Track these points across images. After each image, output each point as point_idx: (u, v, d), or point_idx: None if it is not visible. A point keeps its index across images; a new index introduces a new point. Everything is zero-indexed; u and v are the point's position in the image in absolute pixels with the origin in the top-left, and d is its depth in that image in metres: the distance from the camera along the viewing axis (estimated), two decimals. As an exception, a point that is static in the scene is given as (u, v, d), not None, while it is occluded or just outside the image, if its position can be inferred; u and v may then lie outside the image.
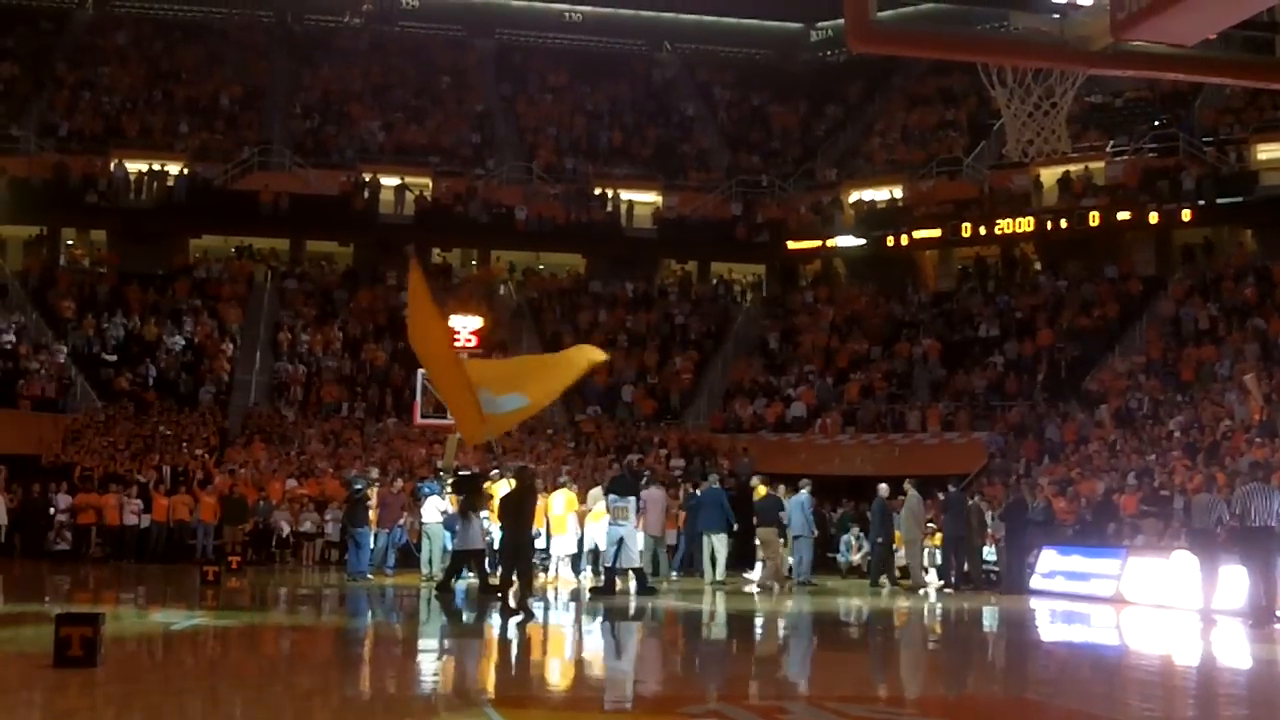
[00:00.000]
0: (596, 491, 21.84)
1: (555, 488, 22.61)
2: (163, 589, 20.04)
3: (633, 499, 20.33)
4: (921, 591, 21.81)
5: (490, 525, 20.05)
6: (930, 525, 23.57)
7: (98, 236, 38.64)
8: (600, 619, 16.77)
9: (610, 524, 20.04)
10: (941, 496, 23.38)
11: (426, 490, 22.48)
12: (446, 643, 14.28)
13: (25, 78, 40.51)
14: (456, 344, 20.28)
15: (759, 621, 17.59)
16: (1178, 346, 29.50)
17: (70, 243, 38.73)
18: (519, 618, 15.22)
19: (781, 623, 17.45)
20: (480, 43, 48.01)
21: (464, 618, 16.62)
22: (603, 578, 20.31)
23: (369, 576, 21.58)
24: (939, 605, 20.07)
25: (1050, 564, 21.44)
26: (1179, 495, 21.26)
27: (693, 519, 23.96)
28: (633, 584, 20.09)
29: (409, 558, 24.19)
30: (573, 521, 22.14)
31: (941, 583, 22.47)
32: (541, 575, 22.15)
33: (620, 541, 19.72)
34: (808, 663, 13.52)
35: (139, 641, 13.11)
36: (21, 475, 26.39)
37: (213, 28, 45.72)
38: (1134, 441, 25.64)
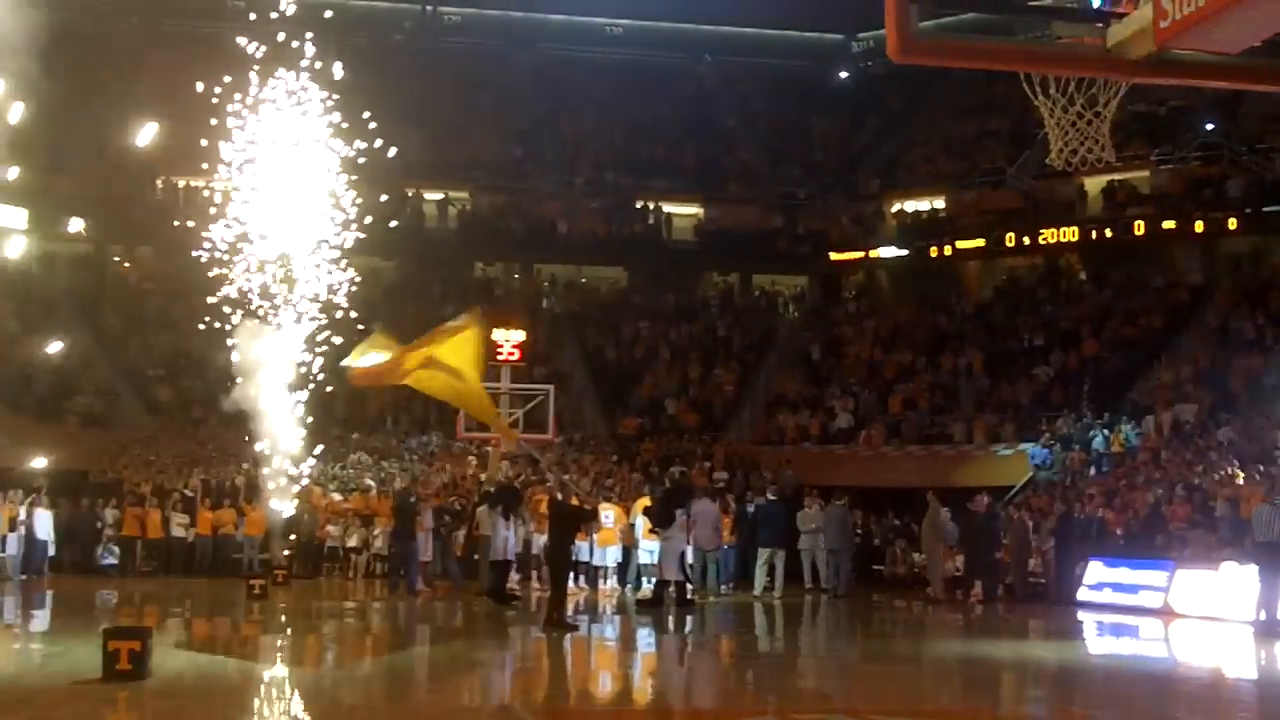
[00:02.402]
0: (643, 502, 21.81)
1: (600, 501, 22.57)
2: (210, 603, 20.19)
3: (679, 511, 20.25)
4: (969, 602, 21.62)
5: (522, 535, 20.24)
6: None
7: (145, 254, 38.97)
8: (643, 631, 16.75)
9: (656, 536, 19.96)
10: (968, 507, 23.08)
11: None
12: (490, 655, 14.29)
13: (75, 96, 40.87)
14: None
15: (803, 632, 17.52)
16: (1225, 356, 29.14)
17: (118, 259, 39.09)
18: (561, 630, 15.27)
19: (825, 634, 17.37)
20: (521, 57, 48.10)
21: (508, 629, 16.64)
22: (648, 590, 20.26)
23: (419, 590, 21.51)
24: (982, 617, 19.92)
25: (1097, 575, 21.22)
26: (1227, 506, 21.01)
27: (747, 532, 23.86)
28: (674, 595, 20.01)
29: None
30: (621, 534, 22.17)
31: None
32: (586, 587, 22.21)
33: (665, 554, 19.67)
34: (846, 675, 13.44)
35: (188, 655, 13.18)
36: (70, 491, 26.59)
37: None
38: (1182, 453, 25.34)
